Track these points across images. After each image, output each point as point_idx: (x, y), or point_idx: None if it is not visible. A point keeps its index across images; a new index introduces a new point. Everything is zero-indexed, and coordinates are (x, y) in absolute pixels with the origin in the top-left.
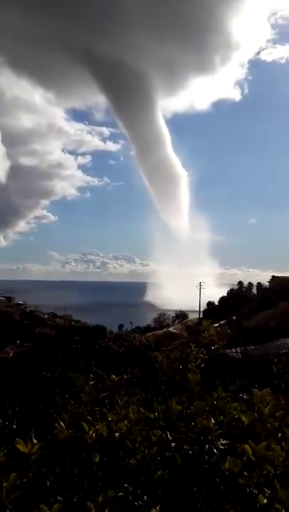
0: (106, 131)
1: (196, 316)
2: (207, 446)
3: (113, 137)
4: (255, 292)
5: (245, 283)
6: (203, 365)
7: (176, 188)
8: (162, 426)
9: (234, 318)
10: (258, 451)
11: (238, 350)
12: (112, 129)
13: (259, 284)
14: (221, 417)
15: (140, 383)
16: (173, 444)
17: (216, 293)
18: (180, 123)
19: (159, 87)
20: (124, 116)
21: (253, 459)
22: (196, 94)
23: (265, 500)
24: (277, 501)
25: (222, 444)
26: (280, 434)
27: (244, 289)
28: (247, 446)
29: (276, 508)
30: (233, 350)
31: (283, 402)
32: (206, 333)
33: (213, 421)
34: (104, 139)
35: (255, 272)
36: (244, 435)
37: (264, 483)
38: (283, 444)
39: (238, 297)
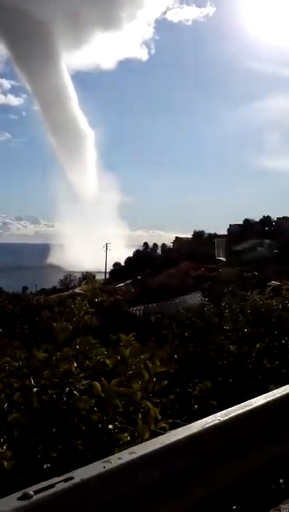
0: (6, 83)
1: (103, 277)
2: (67, 388)
3: (14, 90)
4: (160, 253)
5: (151, 244)
6: (87, 316)
7: (82, 147)
8: (25, 373)
9: (139, 277)
10: (109, 388)
11: (140, 308)
12: (13, 82)
13: (163, 245)
14: (87, 362)
15: (27, 339)
16: (35, 389)
17: (123, 254)
18: (84, 80)
19: (63, 40)
20: (26, 68)
21: (103, 395)
22: (101, 51)
23: (129, 438)
24: (138, 437)
25: (82, 385)
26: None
27: (149, 249)
28: (96, 384)
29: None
30: (136, 308)
31: (168, 348)
32: (89, 285)
33: (75, 365)
34: (4, 92)
35: (159, 234)
36: (108, 376)
37: (128, 421)
38: (140, 382)
39: (144, 258)
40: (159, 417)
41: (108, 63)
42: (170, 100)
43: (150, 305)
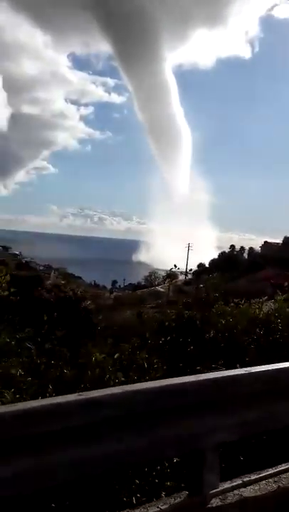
0: (110, 81)
1: (187, 276)
2: None
3: (118, 89)
4: (246, 257)
5: (240, 247)
6: None
7: (179, 146)
8: None
9: None
10: None
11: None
12: (117, 80)
13: (251, 248)
14: None
15: None
16: None
17: (210, 255)
18: (185, 78)
19: (167, 36)
20: (129, 65)
21: None
22: (202, 47)
23: None
24: None
25: None
26: None
27: (235, 252)
28: None
29: None
30: None
31: None
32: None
33: None
34: (108, 90)
35: (250, 237)
36: None
37: None
38: None
39: (228, 260)
40: None
41: (208, 60)
42: (272, 100)
43: None
